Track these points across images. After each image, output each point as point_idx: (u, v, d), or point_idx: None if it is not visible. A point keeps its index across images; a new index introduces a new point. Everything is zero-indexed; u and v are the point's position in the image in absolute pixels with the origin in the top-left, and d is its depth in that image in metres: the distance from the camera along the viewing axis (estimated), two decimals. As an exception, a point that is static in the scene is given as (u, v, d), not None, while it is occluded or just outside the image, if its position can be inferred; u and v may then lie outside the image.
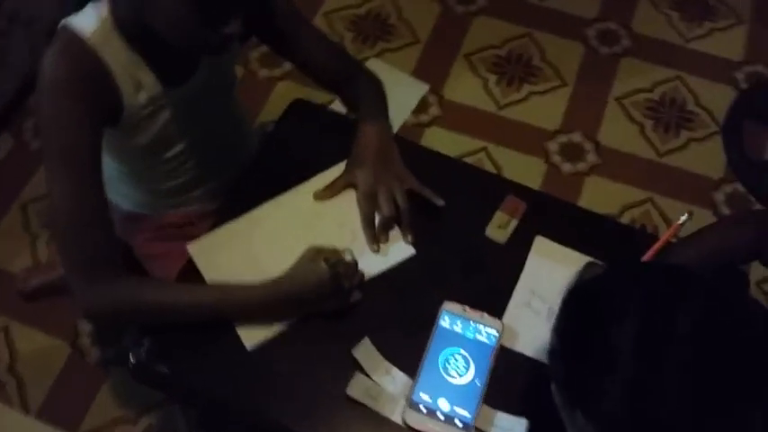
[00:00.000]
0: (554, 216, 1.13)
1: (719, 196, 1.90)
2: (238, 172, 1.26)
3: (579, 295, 0.76)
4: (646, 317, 0.67)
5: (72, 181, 0.92)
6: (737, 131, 1.98)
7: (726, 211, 1.88)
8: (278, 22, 1.11)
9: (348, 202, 1.10)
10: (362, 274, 1.01)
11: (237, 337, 0.98)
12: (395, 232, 1.08)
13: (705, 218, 1.86)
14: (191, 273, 1.04)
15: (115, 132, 1.01)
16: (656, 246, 0.94)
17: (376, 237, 1.06)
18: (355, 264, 0.99)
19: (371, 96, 1.18)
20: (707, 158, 1.96)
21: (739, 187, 1.91)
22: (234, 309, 0.98)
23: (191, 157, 1.16)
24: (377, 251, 1.06)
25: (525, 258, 1.07)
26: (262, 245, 1.06)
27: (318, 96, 1.92)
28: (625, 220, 1.85)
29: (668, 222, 1.84)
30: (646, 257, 0.95)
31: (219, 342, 0.98)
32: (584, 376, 0.71)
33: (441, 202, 1.08)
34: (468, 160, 1.90)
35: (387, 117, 1.17)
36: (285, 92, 2.02)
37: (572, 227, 1.11)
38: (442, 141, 1.93)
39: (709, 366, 0.65)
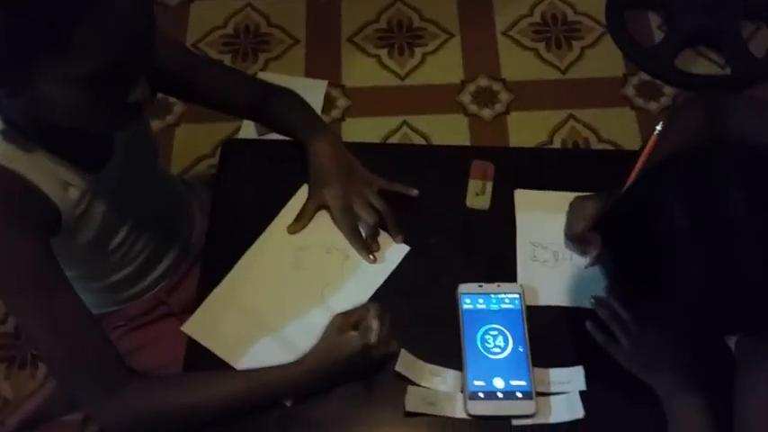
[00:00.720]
0: (522, 165, 1.13)
1: (630, 90, 1.97)
2: (186, 234, 1.19)
3: (613, 218, 0.75)
4: (691, 207, 0.65)
5: (47, 307, 0.83)
6: (622, 25, 2.05)
7: (641, 102, 1.95)
8: (177, 70, 1.04)
9: (326, 225, 1.06)
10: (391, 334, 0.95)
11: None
12: (383, 236, 1.05)
13: (625, 115, 1.93)
14: (194, 354, 0.98)
15: (57, 240, 0.92)
16: (639, 164, 0.94)
17: (367, 248, 1.03)
18: (383, 324, 0.92)
19: (299, 111, 1.13)
20: (605, 59, 2.03)
21: (644, 76, 1.99)
22: (270, 393, 0.92)
23: (137, 237, 1.08)
24: (374, 261, 1.03)
25: (513, 215, 1.07)
26: (257, 298, 1.01)
27: (222, 128, 1.86)
28: (556, 143, 1.89)
29: (596, 132, 1.90)
30: (631, 179, 0.96)
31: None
32: (652, 285, 0.69)
33: (414, 192, 1.07)
34: (394, 139, 1.89)
35: (325, 125, 1.13)
36: (186, 136, 1.91)
37: (542, 169, 1.12)
38: (362, 130, 1.91)
39: None
